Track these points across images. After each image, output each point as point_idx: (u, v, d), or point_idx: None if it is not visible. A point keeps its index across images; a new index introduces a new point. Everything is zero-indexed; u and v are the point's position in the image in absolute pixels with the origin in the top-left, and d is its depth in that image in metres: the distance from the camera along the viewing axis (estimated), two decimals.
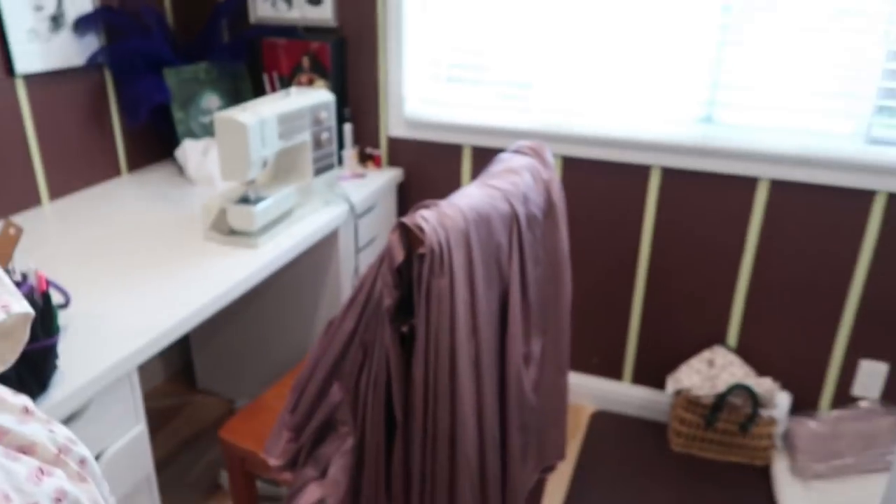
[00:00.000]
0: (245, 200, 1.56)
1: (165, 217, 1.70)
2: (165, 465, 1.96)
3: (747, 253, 1.95)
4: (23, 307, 0.58)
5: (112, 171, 1.97)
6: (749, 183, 1.88)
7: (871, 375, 1.95)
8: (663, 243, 2.02)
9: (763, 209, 1.89)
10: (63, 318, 1.21)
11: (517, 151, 1.38)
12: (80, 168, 1.87)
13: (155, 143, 2.12)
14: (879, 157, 1.73)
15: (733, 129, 1.88)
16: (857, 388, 1.98)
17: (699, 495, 1.89)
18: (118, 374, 1.12)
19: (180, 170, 2.04)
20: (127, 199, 1.82)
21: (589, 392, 2.25)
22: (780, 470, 1.92)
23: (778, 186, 1.86)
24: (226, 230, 1.56)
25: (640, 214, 2.02)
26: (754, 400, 1.91)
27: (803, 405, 2.04)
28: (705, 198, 1.94)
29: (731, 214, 1.93)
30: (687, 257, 2.01)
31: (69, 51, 1.79)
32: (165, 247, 1.53)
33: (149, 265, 1.43)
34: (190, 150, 1.93)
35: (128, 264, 1.44)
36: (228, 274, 1.41)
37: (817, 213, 1.84)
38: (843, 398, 2.00)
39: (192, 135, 2.03)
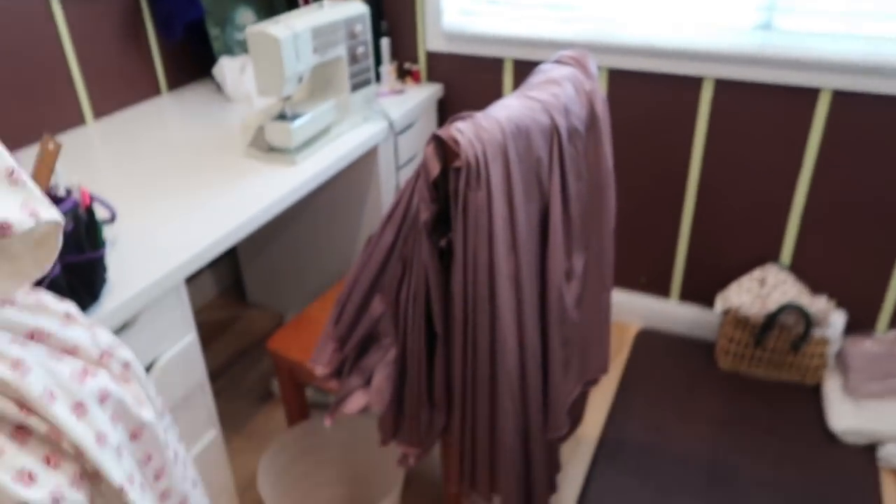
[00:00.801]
0: (282, 117, 1.55)
1: (205, 135, 1.70)
2: (220, 374, 2.06)
3: (805, 169, 1.85)
4: (51, 215, 0.59)
5: (152, 91, 1.98)
6: (810, 95, 1.77)
7: None
8: (715, 159, 1.94)
9: (823, 122, 1.78)
10: (110, 232, 1.25)
11: (558, 61, 1.32)
12: (121, 87, 1.88)
13: (193, 61, 2.11)
14: None
15: (794, 36, 1.75)
16: None
17: (746, 412, 1.88)
18: (167, 286, 1.15)
19: (218, 88, 2.03)
20: (167, 117, 1.83)
21: (635, 310, 2.23)
22: (832, 389, 1.89)
23: (841, 98, 1.74)
24: (265, 147, 1.57)
25: (690, 129, 1.93)
26: (807, 319, 1.86)
27: (859, 325, 1.98)
28: (761, 111, 1.83)
29: (788, 128, 1.82)
30: (740, 173, 1.93)
31: None
32: (206, 164, 1.54)
33: (191, 182, 1.45)
34: (227, 68, 1.91)
35: (171, 181, 1.46)
36: (269, 190, 1.42)
37: (883, 126, 1.73)
38: None
39: (229, 52, 2.01)
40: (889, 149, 1.75)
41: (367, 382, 1.30)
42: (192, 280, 2.32)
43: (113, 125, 1.79)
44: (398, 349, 1.24)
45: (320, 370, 1.34)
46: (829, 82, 1.72)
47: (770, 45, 1.74)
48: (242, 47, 2.04)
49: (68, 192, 0.98)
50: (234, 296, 2.41)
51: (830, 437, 1.79)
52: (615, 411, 1.89)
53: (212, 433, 1.35)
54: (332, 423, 1.33)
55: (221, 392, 1.99)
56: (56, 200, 0.95)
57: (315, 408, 1.89)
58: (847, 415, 1.79)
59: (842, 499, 1.62)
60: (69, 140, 1.71)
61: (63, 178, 1.00)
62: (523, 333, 1.16)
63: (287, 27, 1.47)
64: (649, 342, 2.16)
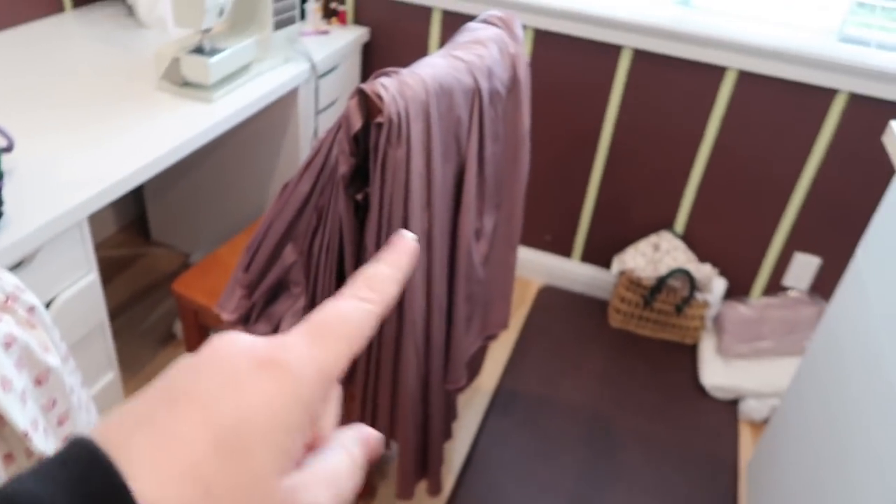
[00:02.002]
0: (200, 51, 1.49)
1: (114, 61, 1.61)
2: (120, 312, 2.00)
3: (706, 142, 1.97)
4: None
5: (53, 6, 1.84)
6: (717, 72, 1.87)
7: (803, 267, 2.06)
8: (626, 126, 2.03)
9: (727, 100, 1.89)
10: (6, 162, 1.18)
11: (486, 21, 1.33)
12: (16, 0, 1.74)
13: None
14: (848, 56, 1.73)
15: (709, 14, 1.84)
16: (789, 279, 2.10)
17: (629, 367, 2.03)
18: (68, 223, 1.11)
19: (130, 10, 1.91)
20: (71, 38, 1.71)
21: (539, 267, 2.33)
22: (707, 349, 2.07)
23: (745, 77, 1.85)
24: (179, 81, 1.50)
25: (605, 95, 2.00)
26: (692, 283, 2.01)
27: (737, 291, 2.16)
28: (672, 83, 1.92)
29: (695, 103, 1.93)
30: (647, 142, 2.03)
31: None
32: (115, 94, 1.46)
33: (98, 113, 1.38)
34: None
35: (75, 111, 1.38)
36: (182, 127, 1.37)
37: (778, 107, 1.86)
38: (775, 287, 2.12)
39: None
40: (780, 130, 1.89)
41: (275, 330, 1.31)
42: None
43: (8, 42, 1.66)
44: (308, 298, 1.25)
45: (227, 315, 1.34)
46: (736, 62, 1.82)
47: (686, 21, 1.82)
48: None
49: None
50: (136, 232, 2.33)
51: (701, 392, 1.97)
52: (511, 364, 1.99)
53: (109, 375, 1.33)
54: None
55: (120, 332, 1.94)
56: None
57: None
58: (717, 373, 1.97)
59: (705, 447, 1.80)
60: None
61: None
62: (431, 289, 1.20)
63: None
64: (549, 299, 2.27)
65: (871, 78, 1.73)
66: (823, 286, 2.06)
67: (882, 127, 1.79)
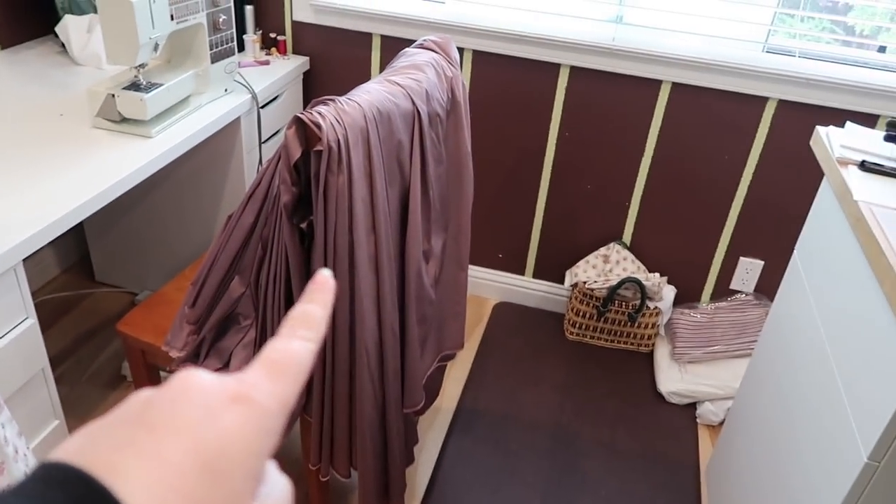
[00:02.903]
0: (136, 87, 1.47)
1: (48, 101, 1.58)
2: (66, 356, 1.94)
3: (647, 154, 2.02)
4: None
5: None
6: (653, 85, 1.93)
7: (748, 271, 2.13)
8: (569, 143, 2.07)
9: (663, 112, 1.95)
10: None
11: (422, 46, 1.35)
12: None
13: (33, 16, 1.92)
14: (774, 65, 1.80)
15: (642, 30, 1.90)
16: (736, 283, 2.16)
17: (587, 378, 2.05)
18: (1, 268, 1.07)
19: (63, 48, 1.88)
20: (1, 79, 1.67)
21: (493, 285, 2.35)
22: (661, 356, 2.10)
23: (679, 89, 1.91)
24: (116, 118, 1.48)
25: (548, 113, 2.04)
26: (642, 292, 2.05)
27: (687, 297, 2.21)
28: (611, 98, 1.97)
29: (634, 116, 1.98)
30: (591, 157, 2.07)
31: None
32: (49, 134, 1.43)
33: (31, 154, 1.35)
34: (72, 27, 1.77)
35: (6, 152, 1.34)
36: (120, 164, 1.34)
37: (713, 117, 1.92)
38: (723, 291, 2.18)
39: (75, 9, 1.85)
40: (717, 139, 1.95)
41: (226, 365, 1.29)
42: (30, 255, 2.14)
43: None
44: (257, 330, 1.24)
45: (175, 353, 1.31)
46: (670, 75, 1.88)
47: (620, 39, 1.87)
48: (91, 4, 1.89)
49: None
50: (80, 274, 2.26)
51: (659, 399, 2.00)
52: (471, 382, 1.99)
53: (54, 423, 1.29)
54: None
55: (67, 377, 1.87)
56: None
57: None
58: (672, 379, 2.01)
59: (666, 452, 1.83)
60: None
61: None
62: (382, 313, 1.20)
63: None
64: (505, 316, 2.28)
65: (797, 85, 1.81)
66: (768, 287, 2.12)
67: (810, 131, 1.86)
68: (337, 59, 2.11)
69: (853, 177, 1.12)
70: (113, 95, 1.45)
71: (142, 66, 1.49)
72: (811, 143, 1.32)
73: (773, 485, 1.19)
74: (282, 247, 1.13)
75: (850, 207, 1.06)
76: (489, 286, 2.35)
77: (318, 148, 1.03)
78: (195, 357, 1.33)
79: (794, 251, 1.36)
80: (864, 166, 1.15)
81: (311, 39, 2.10)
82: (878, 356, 0.90)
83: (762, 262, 2.10)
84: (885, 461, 0.86)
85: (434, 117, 1.27)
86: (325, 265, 1.12)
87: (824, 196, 1.26)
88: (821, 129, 1.30)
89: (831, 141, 1.24)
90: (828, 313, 1.11)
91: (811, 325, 1.17)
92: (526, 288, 2.33)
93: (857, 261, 1.04)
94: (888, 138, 1.22)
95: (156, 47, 1.46)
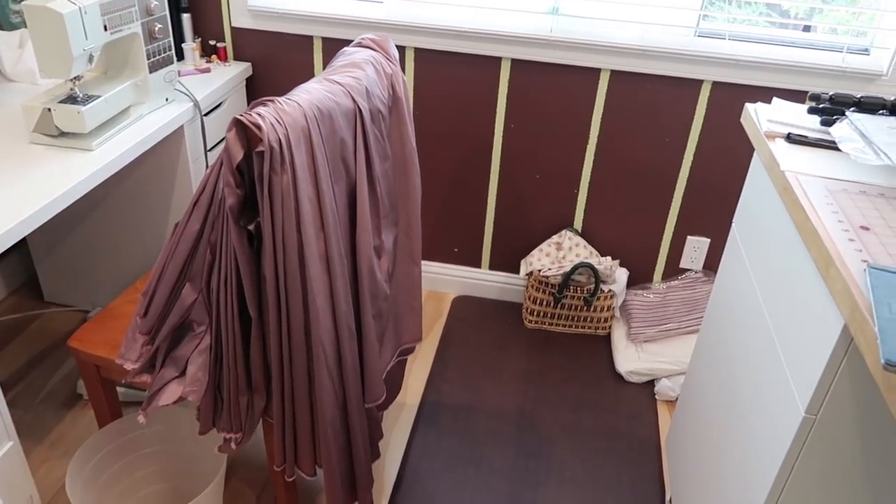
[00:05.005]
0: (72, 100, 1.45)
1: None
2: (18, 379, 1.89)
3: (591, 141, 2.07)
4: None
5: None
6: (593, 73, 1.97)
7: (695, 249, 2.19)
8: (515, 134, 2.10)
9: (604, 99, 2.00)
10: None
11: (360, 44, 1.36)
12: None
13: None
14: (706, 48, 1.86)
15: (578, 21, 1.94)
16: (685, 261, 2.22)
17: (548, 364, 2.09)
18: None
19: None
20: None
21: (451, 279, 2.37)
22: (618, 337, 2.15)
23: (617, 77, 1.96)
24: (54, 132, 1.45)
25: (492, 106, 2.07)
26: (596, 276, 2.10)
27: (640, 279, 2.27)
28: (553, 89, 2.01)
29: (576, 104, 2.02)
30: (538, 147, 2.11)
31: None
32: None
33: None
34: (3, 44, 1.73)
35: None
36: (62, 178, 1.32)
37: (652, 102, 1.98)
38: (674, 271, 2.24)
39: (5, 24, 1.81)
40: (657, 122, 2.01)
41: (182, 373, 1.28)
42: None
43: None
44: (212, 336, 1.23)
45: (130, 365, 1.30)
46: (608, 63, 1.93)
47: (557, 30, 1.91)
48: (21, 19, 1.85)
49: None
50: (28, 295, 2.21)
51: (618, 379, 2.05)
52: (434, 376, 2.01)
53: (8, 445, 1.26)
54: (147, 418, 1.30)
55: (20, 399, 1.83)
56: None
57: (131, 405, 1.81)
58: (630, 358, 2.06)
59: (628, 430, 1.87)
60: None
61: None
62: (336, 310, 1.21)
63: (71, 1, 1.36)
64: (464, 309, 2.31)
65: (728, 66, 1.87)
66: (715, 264, 2.19)
67: (742, 110, 1.93)
68: (279, 64, 2.11)
69: (780, 149, 1.17)
70: (49, 109, 1.43)
71: (77, 78, 1.47)
72: (741, 119, 1.37)
73: (724, 449, 1.24)
74: (230, 250, 1.13)
75: (778, 178, 1.11)
76: (447, 281, 2.38)
77: (260, 149, 1.04)
78: (150, 368, 1.31)
79: (732, 224, 1.42)
80: (790, 138, 1.20)
81: (251, 45, 2.09)
82: (808, 314, 0.95)
83: (708, 240, 2.16)
84: (821, 414, 0.91)
85: (376, 114, 1.29)
86: (275, 265, 1.12)
87: (755, 169, 1.31)
88: (749, 106, 1.35)
89: (759, 116, 1.29)
90: (764, 279, 1.17)
91: (750, 292, 1.22)
92: (483, 280, 2.35)
93: (786, 226, 1.09)
94: (811, 111, 1.28)
95: (90, 59, 1.44)
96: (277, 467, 1.32)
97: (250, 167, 1.08)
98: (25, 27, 1.85)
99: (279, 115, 1.06)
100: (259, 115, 1.03)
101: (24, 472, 1.31)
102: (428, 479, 1.69)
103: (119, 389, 1.72)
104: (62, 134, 1.46)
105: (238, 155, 1.04)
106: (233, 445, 1.30)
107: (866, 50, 1.87)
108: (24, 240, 2.15)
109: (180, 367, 1.30)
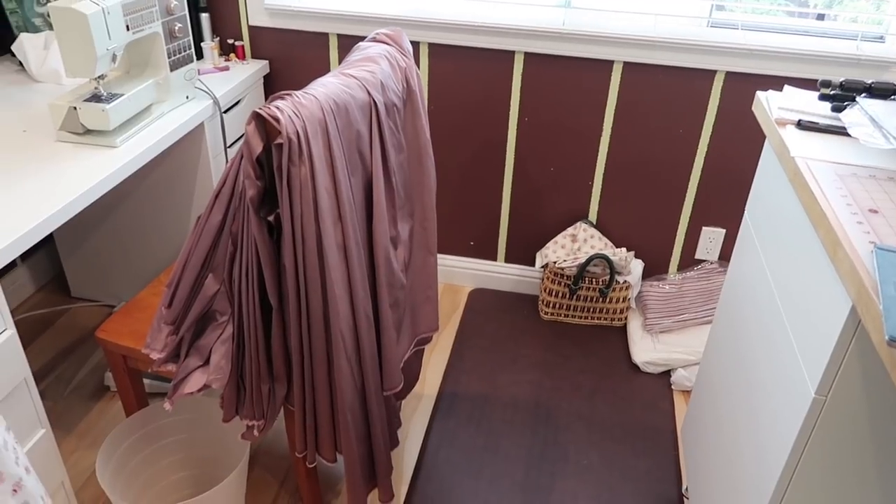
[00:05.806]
0: (97, 98, 1.49)
1: (9, 118, 1.59)
2: (48, 372, 1.95)
3: (605, 133, 2.08)
4: None
5: None
6: (606, 66, 1.98)
7: (711, 240, 2.19)
8: (529, 127, 2.12)
9: (618, 91, 2.01)
10: None
11: (374, 39, 1.39)
12: None
13: None
14: (719, 39, 1.87)
15: (590, 13, 1.96)
16: (700, 252, 2.22)
17: (564, 355, 2.10)
18: None
19: (21, 66, 1.89)
20: None
21: (467, 272, 2.39)
22: (634, 328, 2.16)
23: (631, 68, 1.97)
24: (80, 130, 1.50)
25: (506, 99, 2.09)
26: (611, 268, 2.11)
27: (655, 270, 2.28)
28: (566, 82, 2.03)
29: (590, 97, 2.04)
30: (552, 139, 2.13)
31: None
32: (14, 150, 1.45)
33: None
34: (28, 45, 1.78)
35: None
36: (87, 175, 1.37)
37: (666, 93, 1.99)
38: (689, 262, 2.24)
39: (30, 27, 1.87)
40: (671, 114, 2.01)
41: (206, 362, 1.32)
42: (4, 274, 2.15)
43: None
44: (235, 325, 1.27)
45: (156, 354, 1.34)
46: (620, 55, 1.94)
47: (570, 22, 1.93)
48: (45, 21, 1.90)
49: None
50: (55, 291, 2.27)
51: (634, 369, 2.06)
52: (451, 368, 2.04)
53: (40, 432, 1.31)
54: (173, 406, 1.34)
55: (50, 391, 1.89)
56: None
57: (156, 396, 1.85)
58: (646, 349, 2.07)
59: (643, 419, 1.88)
60: None
61: None
62: (354, 299, 1.24)
63: (95, 2, 1.41)
64: (480, 302, 2.33)
65: (741, 56, 1.88)
66: (730, 254, 2.19)
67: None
68: (296, 61, 2.14)
69: (790, 135, 1.18)
70: (75, 108, 1.47)
71: (101, 77, 1.51)
72: (753, 107, 1.38)
73: (737, 434, 1.25)
74: (251, 241, 1.17)
75: (788, 164, 1.12)
76: (463, 274, 2.40)
77: (279, 141, 1.07)
78: (175, 357, 1.35)
79: (745, 212, 1.42)
80: (800, 125, 1.21)
81: (268, 43, 2.13)
82: (817, 297, 0.96)
83: (724, 231, 2.17)
84: (831, 395, 0.92)
85: (391, 107, 1.32)
86: (295, 255, 1.16)
87: (767, 157, 1.32)
88: (761, 94, 1.36)
89: (770, 104, 1.30)
90: (775, 264, 1.18)
91: (762, 279, 1.23)
92: (499, 273, 2.38)
93: (796, 211, 1.10)
94: (822, 97, 1.29)
95: (114, 58, 1.49)
96: (299, 454, 1.36)
97: (269, 159, 1.11)
98: (50, 29, 1.90)
99: (297, 108, 1.09)
100: (277, 108, 1.06)
101: (56, 459, 1.36)
102: (446, 467, 1.72)
103: (145, 381, 1.77)
104: (87, 131, 1.50)
105: (257, 147, 1.08)
106: (255, 432, 1.33)
107: (881, 38, 1.86)
108: (51, 237, 2.21)
109: (204, 357, 1.34)
